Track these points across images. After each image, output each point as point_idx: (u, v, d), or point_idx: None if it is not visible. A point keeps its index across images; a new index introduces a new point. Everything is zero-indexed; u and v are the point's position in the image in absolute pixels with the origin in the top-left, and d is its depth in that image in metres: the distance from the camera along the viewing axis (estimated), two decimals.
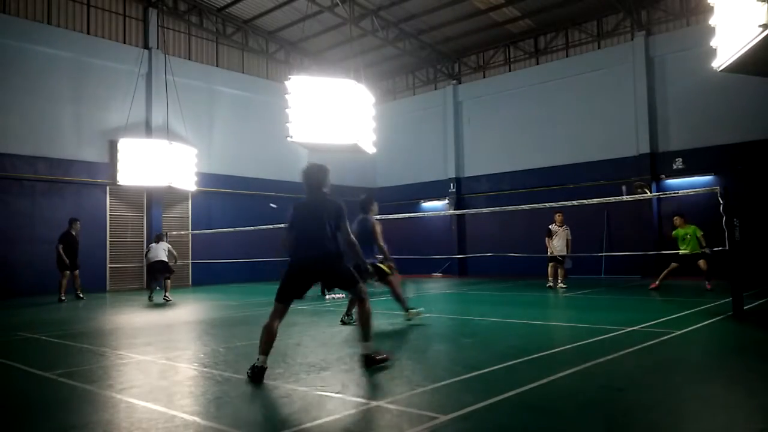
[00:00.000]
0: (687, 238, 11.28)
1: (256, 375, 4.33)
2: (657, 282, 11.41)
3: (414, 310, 7.42)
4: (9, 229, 14.10)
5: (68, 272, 12.59)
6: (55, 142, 15.13)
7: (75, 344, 6.47)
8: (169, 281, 12.24)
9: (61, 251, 12.46)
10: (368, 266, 5.44)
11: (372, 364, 4.67)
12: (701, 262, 11.08)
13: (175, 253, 12.54)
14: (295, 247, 4.84)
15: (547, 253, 12.77)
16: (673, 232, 11.66)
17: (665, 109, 16.52)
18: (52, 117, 15.12)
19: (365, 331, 4.78)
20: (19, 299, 12.72)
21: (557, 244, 12.48)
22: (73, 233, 12.83)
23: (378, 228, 7.38)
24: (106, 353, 5.81)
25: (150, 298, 11.88)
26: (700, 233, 11.21)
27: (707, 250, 10.84)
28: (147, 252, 12.44)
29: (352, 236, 4.97)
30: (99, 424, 3.37)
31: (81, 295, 12.79)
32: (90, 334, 7.40)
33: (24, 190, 14.52)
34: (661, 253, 14.19)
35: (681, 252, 11.29)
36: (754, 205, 14.04)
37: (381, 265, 7.25)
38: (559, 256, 12.55)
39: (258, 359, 4.39)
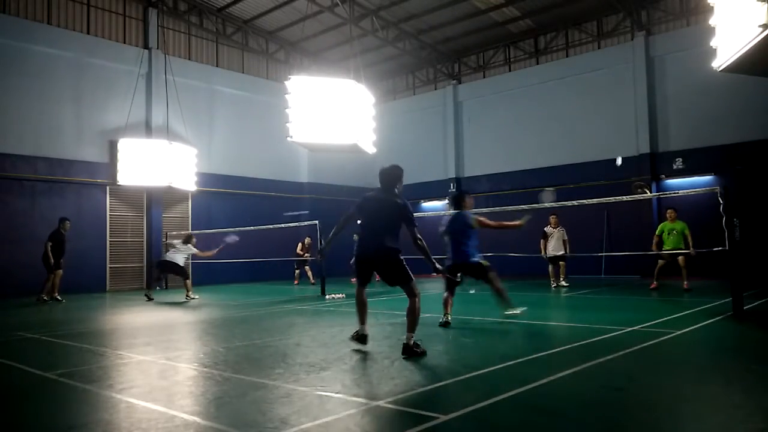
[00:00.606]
0: (673, 233, 11.26)
1: (360, 339, 5.54)
2: (654, 282, 11.50)
3: (516, 310, 7.30)
4: (9, 229, 14.10)
5: (59, 271, 12.35)
6: (55, 142, 15.13)
7: (75, 344, 6.47)
8: (188, 281, 12.37)
9: (50, 249, 12.21)
10: (438, 266, 5.60)
11: (410, 354, 5.08)
12: (680, 259, 11.12)
13: (195, 251, 12.60)
14: (360, 239, 5.52)
15: (542, 255, 12.96)
16: (660, 225, 11.66)
17: (665, 109, 16.52)
18: (52, 117, 15.12)
19: (411, 323, 5.27)
20: (19, 299, 12.71)
21: (553, 245, 12.73)
22: (63, 232, 12.59)
23: (483, 219, 7.47)
24: (106, 353, 5.81)
25: (148, 296, 11.95)
26: (687, 232, 11.22)
27: (692, 251, 10.87)
28: (167, 249, 12.50)
29: (419, 236, 5.46)
30: (99, 424, 3.37)
31: (58, 297, 12.36)
32: (90, 334, 7.40)
33: (24, 190, 14.52)
34: (661, 253, 14.20)
35: (664, 248, 11.34)
36: (754, 205, 14.03)
37: (482, 262, 7.25)
38: (556, 255, 12.76)
39: (360, 328, 5.57)
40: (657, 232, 11.64)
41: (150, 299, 11.96)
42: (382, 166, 5.77)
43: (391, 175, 5.65)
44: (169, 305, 11.33)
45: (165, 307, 11.09)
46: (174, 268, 12.24)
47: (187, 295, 12.11)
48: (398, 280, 5.43)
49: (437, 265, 5.58)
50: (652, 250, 11.70)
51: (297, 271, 17.35)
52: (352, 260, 5.67)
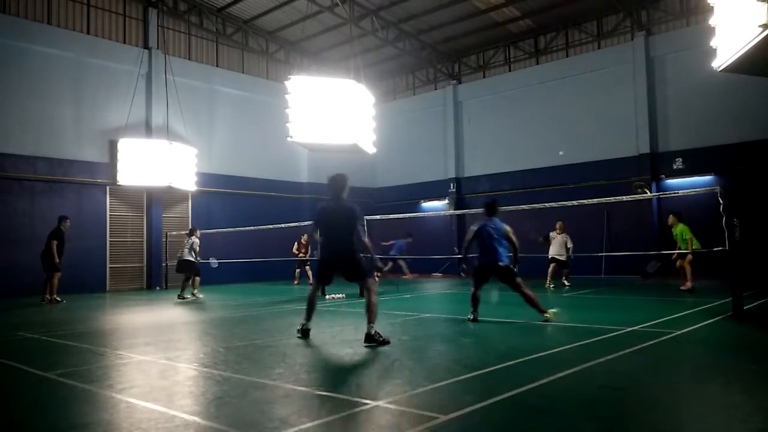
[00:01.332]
0: (676, 236, 11.43)
1: (304, 333, 6.22)
2: (688, 283, 11.12)
3: (550, 312, 7.39)
4: (9, 228, 14.10)
5: (58, 273, 12.10)
6: (55, 142, 15.14)
7: (75, 344, 6.47)
8: (198, 278, 12.43)
9: (55, 249, 11.95)
10: (380, 264, 6.57)
11: (371, 341, 5.66)
12: (679, 262, 11.25)
13: (197, 248, 12.58)
14: (323, 244, 6.34)
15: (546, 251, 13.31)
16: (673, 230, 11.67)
17: (665, 109, 16.52)
18: (52, 117, 15.13)
19: (371, 315, 5.83)
20: (19, 299, 12.71)
21: (555, 249, 13.08)
22: (63, 231, 12.35)
23: (512, 233, 7.89)
24: (106, 353, 5.81)
25: (181, 296, 12.07)
26: (688, 235, 11.13)
27: (690, 255, 10.94)
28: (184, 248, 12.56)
29: (365, 236, 6.25)
30: (99, 424, 3.37)
31: (58, 298, 12.14)
32: (90, 334, 7.40)
33: (24, 190, 14.52)
34: (661, 253, 14.19)
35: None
36: (754, 205, 14.03)
37: (510, 266, 7.58)
38: (555, 258, 13.15)
39: (303, 324, 6.27)
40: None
41: (184, 298, 12.04)
42: (329, 176, 6.62)
43: (338, 182, 6.49)
44: (170, 306, 11.32)
45: (165, 307, 11.09)
46: (187, 266, 12.29)
47: (193, 293, 12.20)
48: (357, 275, 6.22)
49: (379, 263, 6.58)
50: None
51: (297, 271, 17.38)
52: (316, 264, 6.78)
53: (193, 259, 12.31)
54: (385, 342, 5.66)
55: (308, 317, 6.30)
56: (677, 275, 11.59)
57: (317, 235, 6.46)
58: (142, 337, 6.93)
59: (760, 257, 13.10)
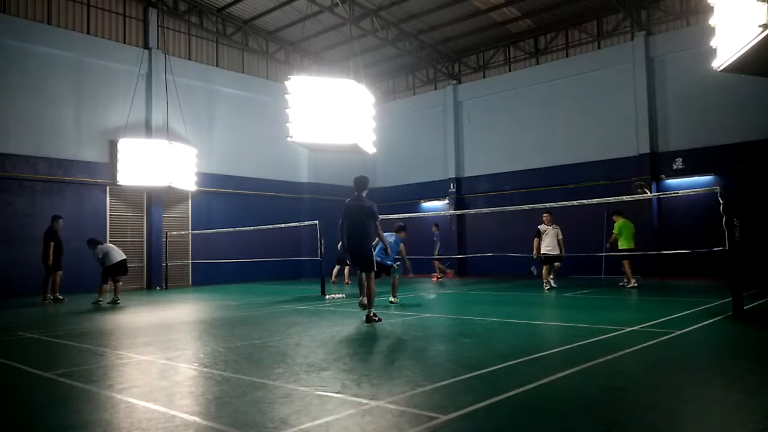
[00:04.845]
0: (622, 233, 12.47)
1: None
2: (632, 280, 12.29)
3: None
4: (9, 228, 14.11)
5: (59, 272, 12.20)
6: (55, 142, 15.14)
7: (75, 344, 6.47)
8: (120, 283, 11.95)
9: (51, 250, 11.99)
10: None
11: (368, 321, 7.37)
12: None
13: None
14: (349, 235, 7.58)
15: (532, 254, 12.61)
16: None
17: (665, 109, 16.52)
18: (52, 117, 15.13)
19: (369, 300, 7.45)
20: (19, 299, 12.71)
21: (548, 243, 12.22)
22: (56, 230, 12.31)
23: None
24: (106, 353, 5.81)
25: (99, 302, 11.40)
26: (632, 231, 12.48)
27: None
28: (108, 251, 11.82)
29: (380, 229, 7.88)
30: (99, 424, 3.37)
31: (60, 297, 12.28)
32: (90, 334, 7.40)
33: (24, 190, 14.52)
34: (661, 253, 14.21)
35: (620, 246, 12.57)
36: (754, 205, 14.04)
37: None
38: (551, 254, 12.25)
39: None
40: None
41: (103, 304, 11.33)
42: (355, 176, 7.79)
43: (362, 182, 7.72)
44: (170, 306, 11.31)
45: (164, 307, 11.09)
46: (122, 267, 11.80)
47: (115, 298, 11.61)
48: (364, 266, 7.56)
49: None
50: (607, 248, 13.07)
51: (336, 269, 16.36)
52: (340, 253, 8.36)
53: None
54: (379, 320, 7.42)
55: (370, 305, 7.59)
56: (677, 275, 11.59)
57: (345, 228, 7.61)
58: (142, 337, 6.93)
59: (760, 257, 13.12)
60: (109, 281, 11.81)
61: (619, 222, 12.56)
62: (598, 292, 11.92)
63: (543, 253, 12.31)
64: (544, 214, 12.52)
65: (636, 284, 12.20)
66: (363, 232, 7.48)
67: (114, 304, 11.19)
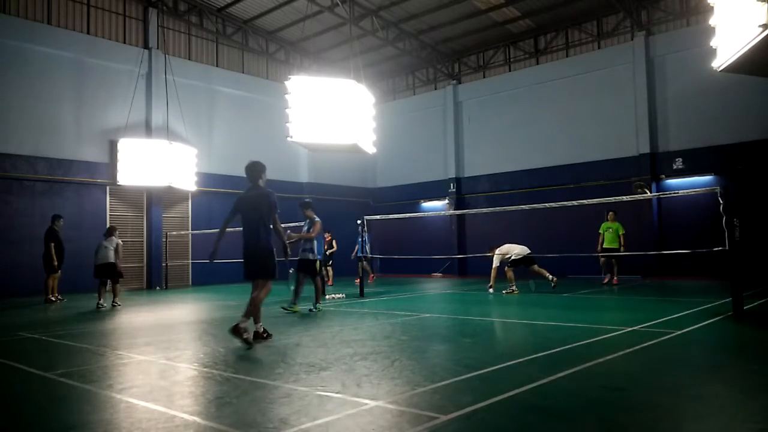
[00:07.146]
0: (609, 232, 13.16)
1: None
2: (614, 278, 13.29)
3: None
4: (9, 228, 14.10)
5: (58, 273, 12.10)
6: (55, 142, 15.13)
7: (75, 344, 6.47)
8: (117, 285, 11.28)
9: (53, 252, 11.90)
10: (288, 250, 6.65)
11: (256, 338, 6.14)
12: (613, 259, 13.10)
13: (121, 252, 11.46)
14: (245, 236, 6.31)
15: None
16: (602, 224, 13.48)
17: (665, 109, 16.52)
18: (52, 117, 15.12)
19: (255, 312, 6.30)
20: (19, 299, 12.71)
21: (515, 247, 11.90)
22: (57, 230, 12.18)
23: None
24: (106, 353, 5.81)
25: (99, 305, 10.70)
26: (622, 231, 13.24)
27: (622, 250, 13.02)
28: (96, 250, 11.22)
29: (279, 224, 6.47)
30: (99, 424, 3.37)
31: (60, 297, 12.22)
32: (90, 334, 7.40)
33: (24, 190, 14.52)
34: (661, 253, 14.21)
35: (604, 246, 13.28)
36: (754, 205, 14.04)
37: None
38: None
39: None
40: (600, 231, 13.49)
41: (101, 307, 10.69)
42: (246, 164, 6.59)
43: (254, 169, 6.50)
44: (170, 306, 11.31)
45: (165, 307, 11.08)
46: (110, 269, 11.08)
47: (114, 301, 11.05)
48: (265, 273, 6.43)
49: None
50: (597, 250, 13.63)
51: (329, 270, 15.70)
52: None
53: (114, 262, 11.12)
54: (270, 336, 6.29)
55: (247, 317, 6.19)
56: (677, 275, 11.59)
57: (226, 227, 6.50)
58: (142, 337, 6.93)
59: (760, 257, 13.12)
60: (104, 282, 11.14)
61: (605, 224, 13.51)
62: (598, 292, 11.92)
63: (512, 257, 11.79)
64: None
65: (607, 281, 13.43)
66: (261, 230, 6.21)
67: (112, 308, 10.75)
